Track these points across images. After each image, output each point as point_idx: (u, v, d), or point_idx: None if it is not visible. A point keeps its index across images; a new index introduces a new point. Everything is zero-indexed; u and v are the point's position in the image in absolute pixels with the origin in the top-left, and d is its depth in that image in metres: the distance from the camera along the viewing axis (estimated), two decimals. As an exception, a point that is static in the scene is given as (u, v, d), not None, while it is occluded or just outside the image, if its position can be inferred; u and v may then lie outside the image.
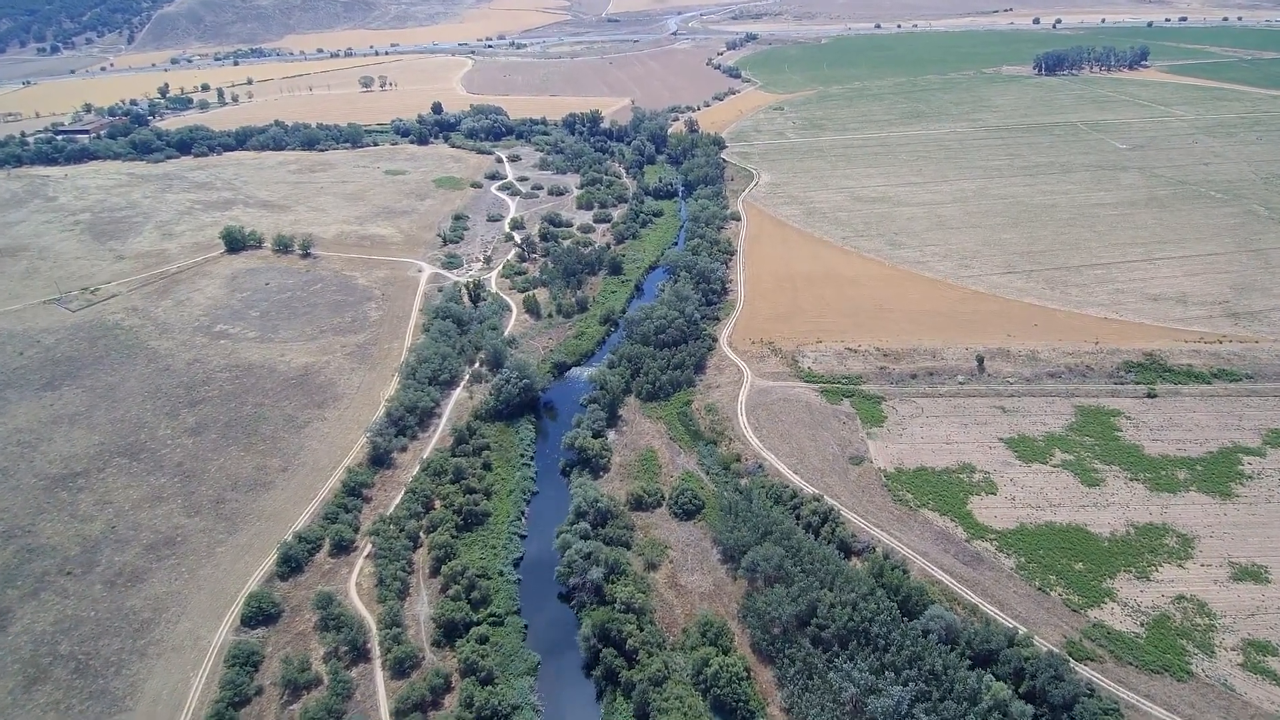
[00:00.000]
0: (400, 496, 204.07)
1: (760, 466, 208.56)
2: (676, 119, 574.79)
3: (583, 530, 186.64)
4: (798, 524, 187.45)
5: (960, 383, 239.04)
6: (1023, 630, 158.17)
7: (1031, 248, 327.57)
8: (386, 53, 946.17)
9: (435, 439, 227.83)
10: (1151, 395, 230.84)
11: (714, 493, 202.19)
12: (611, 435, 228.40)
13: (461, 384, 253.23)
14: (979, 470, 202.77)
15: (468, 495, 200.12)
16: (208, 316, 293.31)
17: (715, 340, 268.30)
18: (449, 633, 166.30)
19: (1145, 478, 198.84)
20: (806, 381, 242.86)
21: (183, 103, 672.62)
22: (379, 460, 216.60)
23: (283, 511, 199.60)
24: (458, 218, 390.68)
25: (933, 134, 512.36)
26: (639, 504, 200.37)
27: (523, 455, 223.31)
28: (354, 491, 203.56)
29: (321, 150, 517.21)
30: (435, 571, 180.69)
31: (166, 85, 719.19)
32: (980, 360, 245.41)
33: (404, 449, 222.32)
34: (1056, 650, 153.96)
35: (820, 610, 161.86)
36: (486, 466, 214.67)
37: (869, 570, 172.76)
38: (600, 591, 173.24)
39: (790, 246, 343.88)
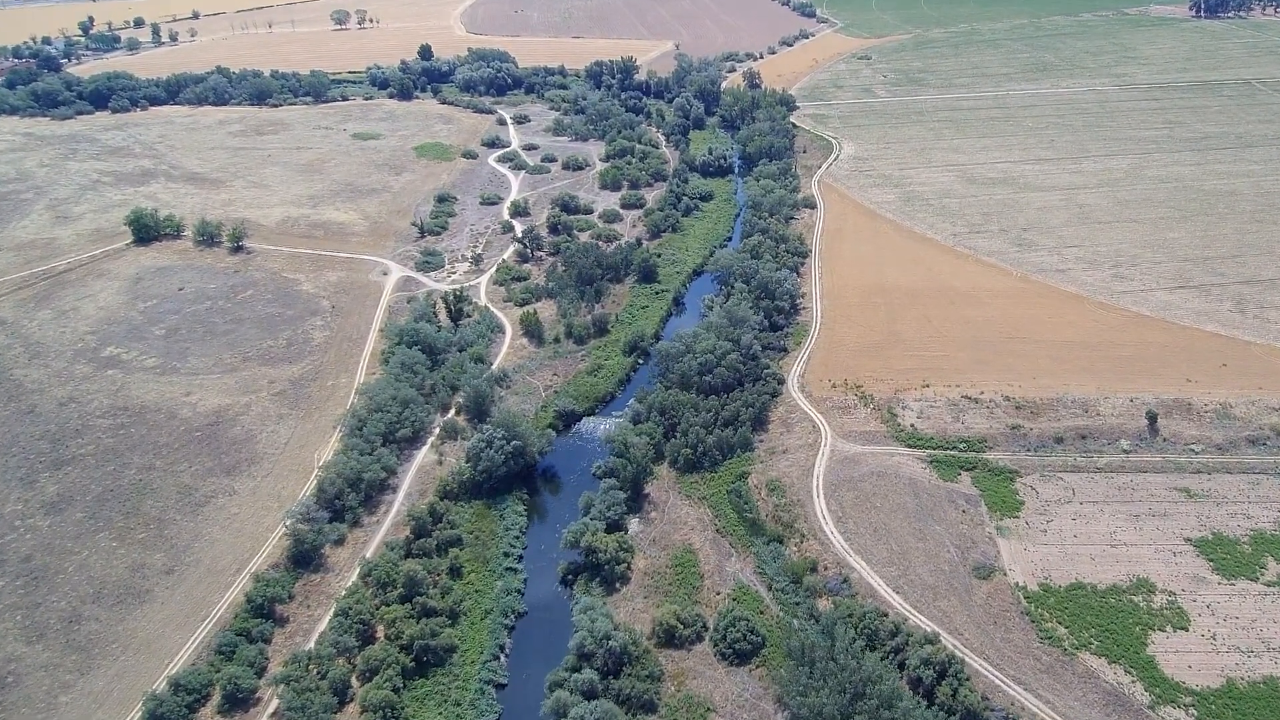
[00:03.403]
0: (328, 618, 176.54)
1: (846, 581, 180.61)
2: (733, 70, 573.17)
3: (587, 683, 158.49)
4: (902, 676, 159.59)
5: (1125, 450, 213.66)
6: None
7: (1208, 251, 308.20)
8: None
9: (385, 527, 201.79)
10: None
11: (779, 621, 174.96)
12: (634, 525, 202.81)
13: (428, 442, 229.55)
14: (1161, 590, 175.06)
15: (424, 620, 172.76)
16: (96, 335, 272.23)
17: (781, 382, 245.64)
18: None
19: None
20: (909, 446, 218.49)
21: (108, 42, 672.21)
22: (303, 559, 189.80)
23: (159, 639, 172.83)
24: (442, 199, 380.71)
25: (1064, 93, 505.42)
26: (670, 637, 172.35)
27: (507, 554, 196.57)
28: (262, 610, 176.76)
29: (274, 106, 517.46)
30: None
31: (91, 19, 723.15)
32: (1152, 418, 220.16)
33: (340, 541, 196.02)
34: None
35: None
36: (454, 572, 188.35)
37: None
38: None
39: (883, 246, 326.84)
